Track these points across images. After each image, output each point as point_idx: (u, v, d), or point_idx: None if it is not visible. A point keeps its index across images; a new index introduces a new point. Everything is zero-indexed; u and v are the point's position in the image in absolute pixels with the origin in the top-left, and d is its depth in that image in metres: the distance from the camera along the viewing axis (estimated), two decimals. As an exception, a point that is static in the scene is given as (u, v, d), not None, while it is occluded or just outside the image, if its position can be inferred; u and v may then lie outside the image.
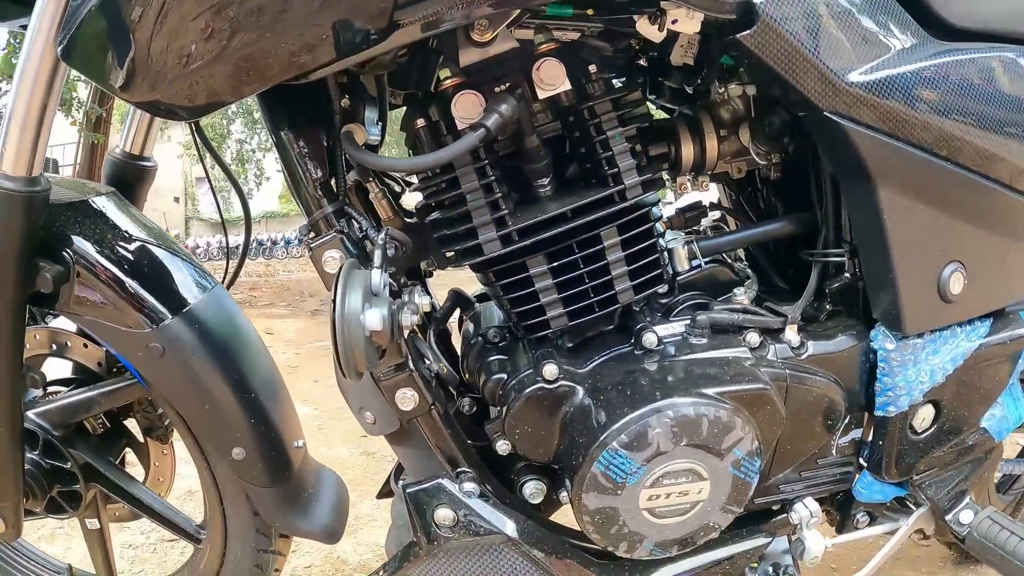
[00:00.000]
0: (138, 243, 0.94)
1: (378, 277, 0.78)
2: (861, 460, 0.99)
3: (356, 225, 0.89)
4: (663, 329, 0.91)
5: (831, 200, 0.95)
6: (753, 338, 0.89)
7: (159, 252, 0.96)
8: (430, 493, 0.90)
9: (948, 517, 1.01)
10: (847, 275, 0.97)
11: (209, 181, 1.25)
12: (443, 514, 0.89)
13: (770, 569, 1.01)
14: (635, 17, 0.85)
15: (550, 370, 0.86)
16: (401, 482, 0.95)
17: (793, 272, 1.04)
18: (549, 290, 0.87)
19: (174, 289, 0.93)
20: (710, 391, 0.82)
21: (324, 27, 0.70)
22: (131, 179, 1.10)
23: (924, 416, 0.97)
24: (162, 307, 0.89)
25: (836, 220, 0.96)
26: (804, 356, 0.91)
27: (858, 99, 0.82)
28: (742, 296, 0.94)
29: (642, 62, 1.04)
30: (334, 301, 0.74)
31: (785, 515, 1.01)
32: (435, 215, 0.91)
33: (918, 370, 0.93)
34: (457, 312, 1.09)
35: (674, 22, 0.82)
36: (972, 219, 0.91)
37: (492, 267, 0.89)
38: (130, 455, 1.17)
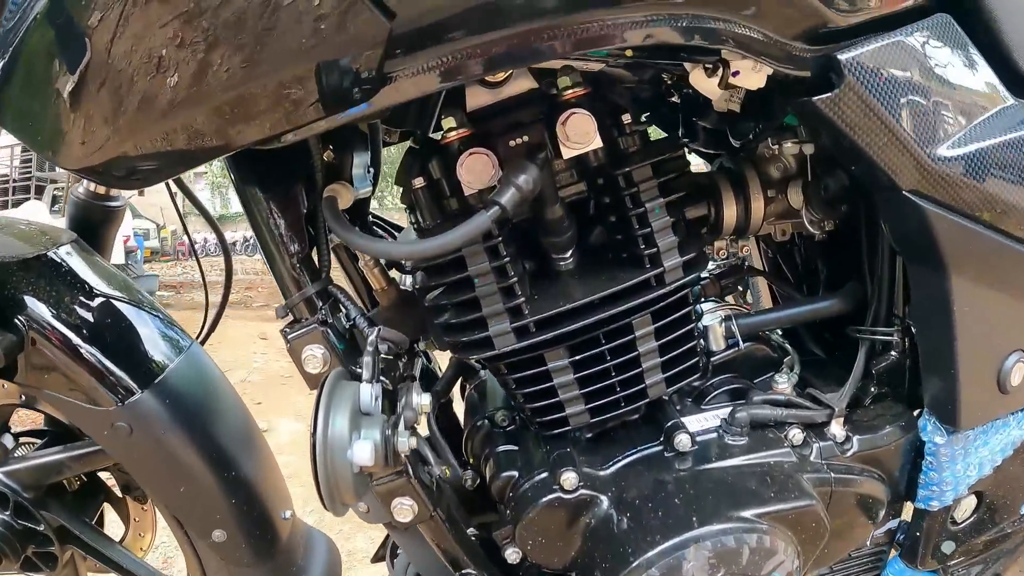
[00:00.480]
0: (102, 301, 0.82)
1: (368, 393, 0.65)
2: (894, 545, 0.93)
3: (343, 311, 0.75)
4: (696, 423, 0.80)
5: (887, 275, 0.84)
6: (796, 436, 0.80)
7: (126, 310, 0.84)
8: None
9: (980, 604, 0.96)
10: (895, 354, 0.87)
11: (188, 236, 1.07)
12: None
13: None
14: (687, 65, 0.70)
15: (569, 479, 0.75)
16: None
17: (832, 342, 0.93)
18: (569, 386, 0.76)
19: (143, 356, 0.82)
20: (751, 512, 0.72)
21: (299, 86, 0.54)
22: (96, 222, 0.95)
23: (966, 507, 0.90)
24: (130, 380, 0.78)
25: (889, 296, 0.85)
26: (850, 453, 0.82)
27: (944, 178, 0.69)
28: (784, 384, 0.83)
29: (674, 98, 0.89)
30: (315, 423, 0.62)
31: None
32: (435, 296, 0.77)
33: (966, 464, 0.85)
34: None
35: (735, 74, 0.68)
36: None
37: (504, 359, 0.77)
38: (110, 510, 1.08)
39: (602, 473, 0.78)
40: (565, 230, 0.74)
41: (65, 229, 0.93)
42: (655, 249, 0.72)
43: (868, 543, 0.90)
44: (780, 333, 0.94)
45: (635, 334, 0.74)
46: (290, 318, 0.75)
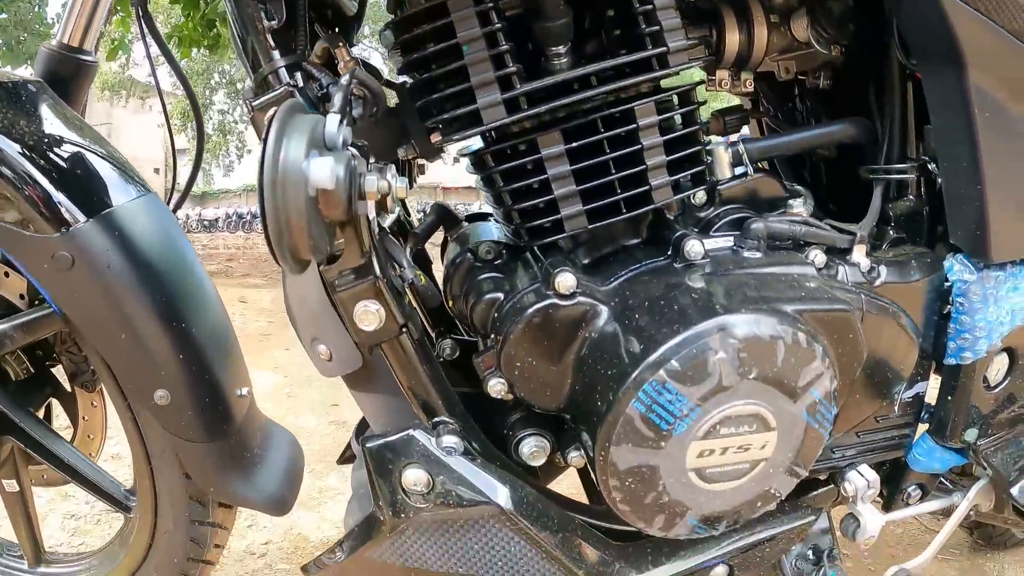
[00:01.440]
0: (59, 137, 0.76)
1: (335, 125, 0.54)
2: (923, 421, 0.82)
3: (315, 85, 0.65)
4: (707, 243, 0.70)
5: (899, 108, 0.78)
6: (819, 257, 0.70)
7: (85, 151, 0.77)
8: (397, 449, 0.66)
9: (1014, 490, 0.85)
10: (912, 197, 0.80)
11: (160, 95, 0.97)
12: (414, 476, 0.65)
13: (810, 554, 0.82)
14: None
15: (566, 281, 0.64)
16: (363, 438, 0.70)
17: (845, 195, 0.86)
18: (565, 179, 0.66)
19: (94, 190, 0.74)
20: (786, 308, 0.62)
21: None
22: (66, 74, 0.85)
23: (999, 367, 0.80)
24: (76, 209, 0.71)
25: (903, 132, 0.79)
26: (878, 282, 0.73)
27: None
28: (799, 208, 0.75)
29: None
30: (265, 146, 0.51)
31: (829, 488, 0.83)
32: (418, 75, 0.67)
33: (999, 308, 0.76)
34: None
35: None
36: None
37: (492, 147, 0.67)
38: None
39: (603, 288, 0.67)
40: (561, 15, 0.67)
41: (33, 77, 0.83)
42: (657, 27, 0.65)
43: (897, 409, 0.80)
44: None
45: (638, 123, 0.66)
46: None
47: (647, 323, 0.61)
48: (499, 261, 0.74)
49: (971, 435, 0.81)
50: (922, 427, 0.84)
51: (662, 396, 0.58)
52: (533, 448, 0.70)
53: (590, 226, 0.67)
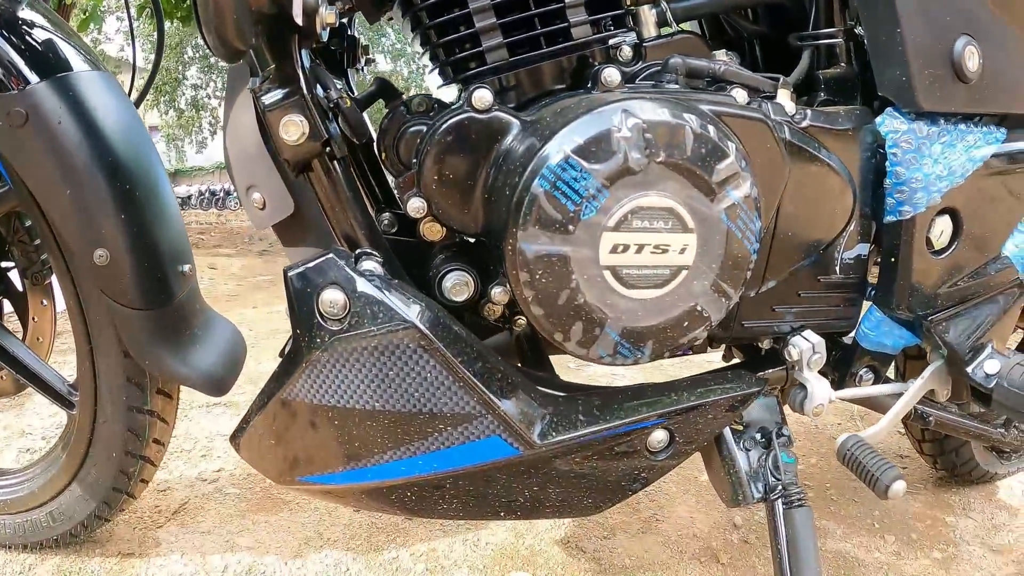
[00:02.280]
0: (27, 15, 0.81)
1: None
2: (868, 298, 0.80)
3: None
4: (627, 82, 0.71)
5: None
6: (740, 94, 0.71)
7: (50, 28, 0.82)
8: (316, 271, 0.65)
9: (970, 369, 0.81)
10: (843, 64, 0.82)
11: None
12: (331, 297, 0.63)
13: (758, 435, 0.78)
14: None
15: (483, 96, 0.64)
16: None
17: (776, 68, 0.87)
18: (486, 12, 0.68)
19: (52, 58, 0.79)
20: (698, 106, 0.62)
21: None
22: None
23: (942, 228, 0.79)
24: (33, 71, 0.76)
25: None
26: (803, 124, 0.73)
27: None
28: (724, 58, 0.76)
29: None
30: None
31: (778, 369, 0.80)
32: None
33: (935, 164, 0.76)
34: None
35: None
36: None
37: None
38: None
39: (522, 114, 0.67)
40: None
41: None
42: None
43: (838, 271, 0.77)
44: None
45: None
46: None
47: (555, 122, 0.61)
48: (431, 112, 0.75)
49: (926, 281, 0.78)
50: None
51: (566, 172, 0.57)
52: (455, 282, 0.69)
53: (511, 59, 0.68)
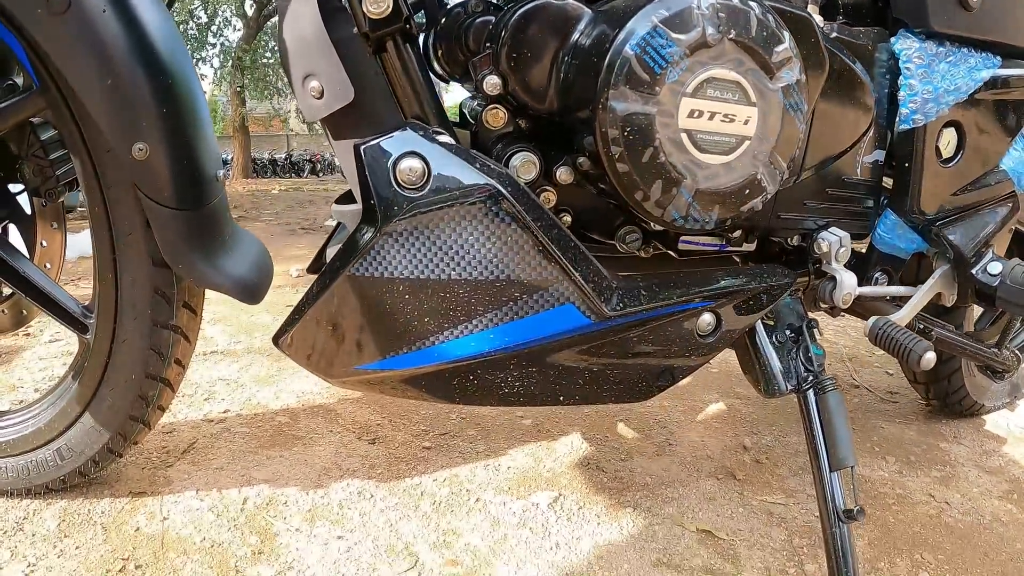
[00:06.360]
0: None
1: None
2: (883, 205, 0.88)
3: None
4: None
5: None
6: (777, 3, 0.78)
7: None
8: (393, 143, 0.67)
9: (974, 270, 0.90)
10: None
11: None
12: (409, 164, 0.65)
13: (787, 331, 0.83)
14: None
15: (560, -18, 0.69)
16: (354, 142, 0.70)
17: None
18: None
19: None
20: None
21: None
22: None
23: (948, 139, 0.88)
24: None
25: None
26: (832, 35, 0.80)
27: None
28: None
29: None
30: None
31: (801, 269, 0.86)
32: None
33: (943, 79, 0.85)
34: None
35: None
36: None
37: None
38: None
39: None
40: None
41: None
42: None
43: (858, 172, 0.85)
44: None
45: None
46: None
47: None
48: (490, 10, 0.78)
49: (937, 188, 0.86)
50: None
51: (655, 39, 0.62)
52: (524, 160, 0.72)
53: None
